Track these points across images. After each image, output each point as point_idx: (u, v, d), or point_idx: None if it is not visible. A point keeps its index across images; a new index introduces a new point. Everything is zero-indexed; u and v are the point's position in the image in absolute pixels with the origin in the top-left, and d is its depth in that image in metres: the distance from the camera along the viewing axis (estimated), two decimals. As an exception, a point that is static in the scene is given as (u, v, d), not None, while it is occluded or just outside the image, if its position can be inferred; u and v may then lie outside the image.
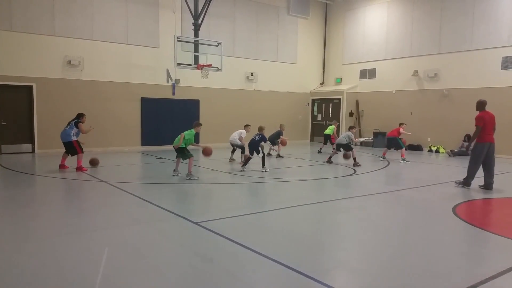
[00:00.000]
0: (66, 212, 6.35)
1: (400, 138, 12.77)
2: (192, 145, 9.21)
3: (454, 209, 6.39)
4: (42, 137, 13.51)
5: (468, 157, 14.05)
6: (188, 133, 9.06)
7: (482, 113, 8.10)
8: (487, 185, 8.10)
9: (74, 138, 9.86)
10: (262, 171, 9.89)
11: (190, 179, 8.80)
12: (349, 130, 12.18)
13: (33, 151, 13.50)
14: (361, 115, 19.20)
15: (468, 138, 14.94)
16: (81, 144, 10.04)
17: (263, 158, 10.08)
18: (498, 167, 11.66)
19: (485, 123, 7.99)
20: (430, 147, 16.24)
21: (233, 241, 4.65)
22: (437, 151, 15.82)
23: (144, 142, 15.57)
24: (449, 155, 14.82)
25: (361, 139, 18.31)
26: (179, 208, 6.47)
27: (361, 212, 6.40)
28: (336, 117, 19.03)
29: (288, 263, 3.99)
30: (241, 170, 10.09)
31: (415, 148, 16.55)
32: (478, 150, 8.07)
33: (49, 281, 3.59)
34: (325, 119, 19.71)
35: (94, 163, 10.28)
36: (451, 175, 10.60)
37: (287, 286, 3.59)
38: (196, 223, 5.39)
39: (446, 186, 8.60)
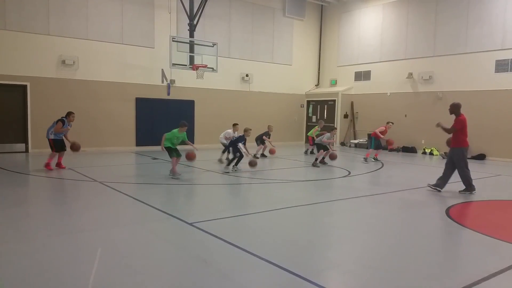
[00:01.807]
0: (59, 212, 6.31)
1: (374, 137, 12.90)
2: (186, 143, 9.28)
3: (447, 211, 6.43)
4: (35, 136, 13.40)
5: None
6: (169, 133, 9.10)
7: (463, 117, 7.97)
8: (439, 185, 8.05)
9: (51, 136, 9.80)
10: (232, 170, 9.91)
11: (172, 177, 8.93)
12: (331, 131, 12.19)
13: (26, 150, 13.41)
14: (356, 117, 19.26)
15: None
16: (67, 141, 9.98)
17: (239, 158, 10.10)
18: (492, 169, 11.80)
19: (464, 127, 7.90)
20: (424, 149, 16.32)
21: (227, 242, 4.65)
22: (430, 153, 15.90)
23: (139, 143, 15.51)
24: (443, 157, 14.90)
25: (356, 141, 18.41)
26: (173, 208, 6.45)
27: (354, 214, 6.41)
28: (331, 118, 19.09)
29: (281, 264, 3.99)
30: (234, 171, 10.07)
31: (409, 150, 16.63)
32: (462, 155, 7.94)
33: (41, 282, 3.56)
34: (320, 121, 19.71)
35: (74, 148, 9.91)
36: (444, 177, 10.65)
37: (280, 287, 3.59)
38: (190, 224, 5.38)
39: (440, 188, 8.63)
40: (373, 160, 13.06)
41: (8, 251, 4.30)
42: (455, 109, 8.05)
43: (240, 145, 10.12)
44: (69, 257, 4.17)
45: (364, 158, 12.77)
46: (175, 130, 9.15)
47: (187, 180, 8.88)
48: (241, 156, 10.14)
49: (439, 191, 7.99)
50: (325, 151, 11.75)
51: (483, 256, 4.47)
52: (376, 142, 12.94)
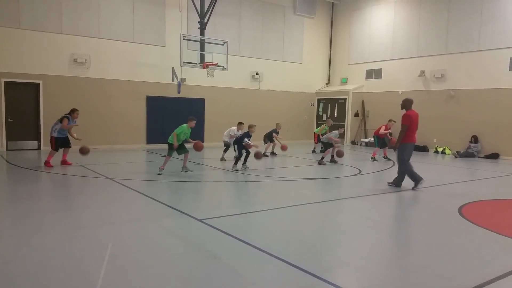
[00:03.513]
0: (70, 207, 6.36)
1: (377, 136, 12.78)
2: (187, 141, 9.31)
3: (460, 210, 6.34)
4: (48, 134, 13.44)
5: (474, 158, 14.17)
6: (179, 128, 9.11)
7: (410, 112, 7.93)
8: (397, 182, 8.13)
9: (54, 134, 9.89)
10: (242, 168, 9.93)
11: (186, 171, 9.12)
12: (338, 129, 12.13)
13: (39, 148, 13.58)
14: (366, 115, 19.11)
15: (474, 139, 14.84)
16: (77, 139, 10.08)
17: (238, 158, 10.12)
18: (505, 169, 11.61)
19: (411, 123, 7.84)
20: (436, 148, 16.12)
21: (237, 239, 4.64)
22: (443, 152, 15.71)
23: (149, 140, 15.60)
24: (455, 156, 14.71)
25: (366, 140, 18.27)
26: (183, 205, 6.47)
27: (366, 212, 6.36)
28: (342, 117, 18.97)
29: (291, 261, 3.97)
30: (243, 169, 10.05)
31: (421, 149, 16.44)
32: (407, 149, 7.94)
33: (53, 275, 3.60)
34: (328, 120, 19.62)
35: (84, 151, 10.06)
36: (457, 176, 10.54)
37: (290, 284, 3.57)
38: (200, 220, 5.39)
39: (452, 187, 8.53)
40: (383, 158, 12.94)
41: (20, 246, 4.34)
42: (406, 104, 8.03)
43: (246, 139, 10.10)
44: (80, 252, 4.20)
45: (372, 158, 12.65)
46: (184, 125, 9.17)
47: (196, 177, 8.90)
48: (248, 153, 10.13)
49: (419, 183, 7.97)
50: (331, 148, 11.71)
51: (497, 255, 4.40)
52: (380, 141, 12.81)
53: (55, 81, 13.63)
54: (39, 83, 13.40)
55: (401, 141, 7.89)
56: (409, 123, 7.80)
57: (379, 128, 12.94)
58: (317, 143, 14.55)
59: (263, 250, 4.27)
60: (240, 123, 11.83)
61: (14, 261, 3.89)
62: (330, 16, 20.46)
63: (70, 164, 10.04)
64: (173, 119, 15.84)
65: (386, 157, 13.01)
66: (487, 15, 14.57)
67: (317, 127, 20.22)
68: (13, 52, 12.90)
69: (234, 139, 10.58)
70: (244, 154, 10.16)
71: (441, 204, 6.84)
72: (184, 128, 9.13)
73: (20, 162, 10.63)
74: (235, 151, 10.28)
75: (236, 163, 10.14)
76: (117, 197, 6.93)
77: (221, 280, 3.57)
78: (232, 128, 11.81)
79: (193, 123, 9.25)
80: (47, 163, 9.81)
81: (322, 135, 13.96)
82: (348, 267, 4.05)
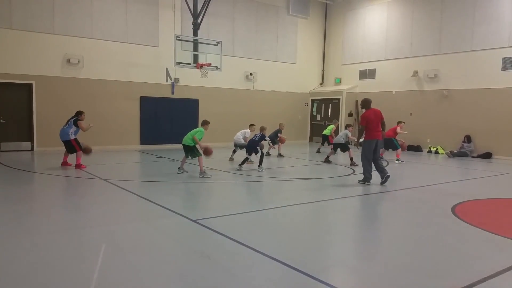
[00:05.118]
0: (64, 208, 6.32)
1: (396, 139, 12.67)
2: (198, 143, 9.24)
3: (453, 209, 6.38)
4: (41, 135, 13.48)
5: (467, 157, 14.28)
6: (200, 134, 9.07)
7: (366, 113, 8.39)
8: (384, 176, 8.35)
9: (72, 137, 9.85)
10: (258, 171, 9.87)
11: (203, 177, 8.82)
12: (346, 129, 12.22)
13: (32, 149, 13.48)
14: (360, 115, 19.15)
15: (467, 139, 14.94)
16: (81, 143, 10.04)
17: (261, 158, 10.09)
18: (498, 168, 11.71)
19: (368, 122, 8.26)
20: (429, 147, 16.22)
21: (231, 239, 4.63)
22: (436, 152, 15.80)
23: (143, 141, 15.54)
24: (449, 156, 14.80)
25: (361, 140, 18.30)
26: (177, 205, 6.45)
27: (360, 212, 6.38)
28: (335, 117, 19.01)
29: (285, 261, 3.97)
30: (237, 169, 10.06)
31: (415, 148, 16.53)
32: (366, 146, 8.39)
33: (46, 277, 3.57)
34: (324, 119, 19.69)
35: (86, 151, 10.04)
36: (450, 175, 10.60)
37: (284, 284, 3.57)
38: (194, 221, 5.37)
39: (445, 186, 8.58)
40: (396, 161, 12.71)
41: (13, 247, 4.31)
42: (364, 104, 8.63)
43: (268, 139, 10.49)
44: (73, 253, 4.17)
45: (397, 160, 12.54)
46: (202, 129, 9.18)
47: (191, 178, 8.88)
48: (262, 154, 10.20)
49: (368, 181, 8.42)
50: (344, 151, 11.81)
51: (490, 254, 4.43)
52: (393, 143, 12.61)
53: (48, 82, 13.54)
54: (32, 84, 13.29)
55: (365, 138, 8.39)
56: (366, 123, 8.28)
57: (390, 130, 12.52)
58: (331, 144, 14.26)
59: (257, 250, 4.27)
60: (252, 125, 12.08)
61: (6, 263, 3.86)
62: (324, 16, 20.51)
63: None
64: (167, 120, 15.86)
65: (381, 158, 12.82)
66: (480, 15, 14.68)
67: (312, 127, 20.31)
68: (5, 52, 12.79)
69: (250, 141, 10.43)
70: (248, 156, 10.28)
71: (435, 203, 6.88)
72: (203, 132, 9.15)
73: (14, 164, 10.52)
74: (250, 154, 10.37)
75: (241, 164, 10.22)
76: (111, 198, 6.88)
77: (215, 280, 3.56)
78: (246, 130, 11.80)
79: (208, 127, 9.37)
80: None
81: (330, 135, 14.20)
82: (343, 267, 4.06)
